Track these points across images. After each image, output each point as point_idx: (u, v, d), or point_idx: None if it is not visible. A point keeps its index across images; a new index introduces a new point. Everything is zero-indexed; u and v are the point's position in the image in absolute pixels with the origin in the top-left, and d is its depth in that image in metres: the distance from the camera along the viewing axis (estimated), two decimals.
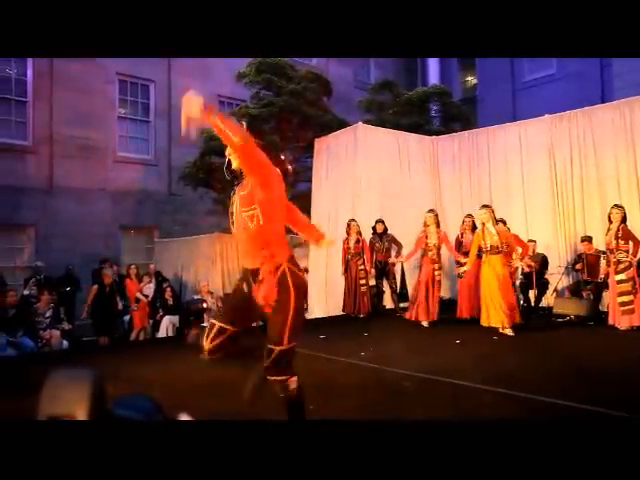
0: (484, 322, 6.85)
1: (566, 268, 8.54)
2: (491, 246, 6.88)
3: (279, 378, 2.74)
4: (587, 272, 7.92)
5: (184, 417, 2.42)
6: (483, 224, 7.03)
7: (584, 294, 7.93)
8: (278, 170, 2.81)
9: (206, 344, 2.76)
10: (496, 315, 6.68)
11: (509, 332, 6.55)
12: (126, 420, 1.26)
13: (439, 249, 7.71)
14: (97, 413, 1.13)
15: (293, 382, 2.78)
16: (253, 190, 2.66)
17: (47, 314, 8.06)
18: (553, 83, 15.12)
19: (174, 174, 12.90)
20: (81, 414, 1.10)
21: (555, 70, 15.41)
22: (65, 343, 8.08)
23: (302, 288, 2.75)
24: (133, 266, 10.07)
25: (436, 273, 7.62)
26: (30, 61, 12.35)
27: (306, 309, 9.99)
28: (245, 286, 2.77)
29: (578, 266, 8.16)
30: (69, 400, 1.13)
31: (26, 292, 8.82)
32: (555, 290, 8.46)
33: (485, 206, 7.17)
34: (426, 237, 7.60)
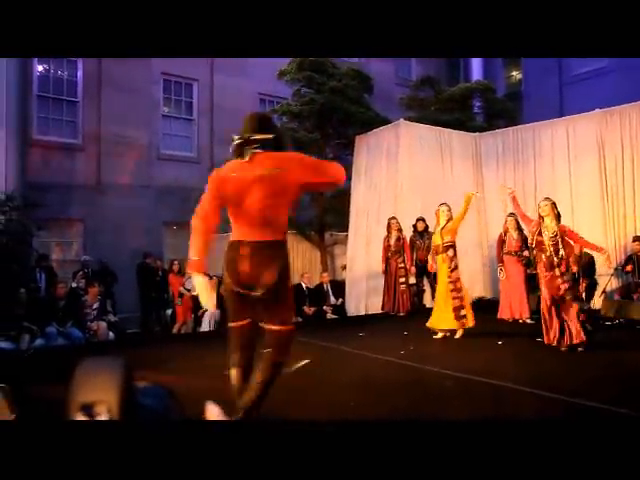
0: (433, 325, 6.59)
1: (615, 269, 8.30)
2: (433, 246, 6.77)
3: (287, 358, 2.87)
4: (638, 274, 7.69)
5: (210, 406, 2.42)
6: (438, 222, 6.85)
7: (634, 297, 7.70)
8: None
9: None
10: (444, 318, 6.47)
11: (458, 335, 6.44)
12: (147, 408, 1.29)
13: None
14: (127, 400, 1.14)
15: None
16: (288, 182, 2.70)
17: (94, 306, 8.34)
18: (604, 76, 14.55)
19: None
20: (113, 401, 1.11)
21: (606, 63, 14.82)
22: (111, 334, 8.34)
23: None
24: (176, 261, 10.31)
25: (559, 282, 5.60)
26: (80, 63, 12.77)
27: (338, 305, 10.05)
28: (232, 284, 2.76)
29: (628, 267, 7.92)
30: (101, 388, 1.13)
31: (74, 285, 9.14)
32: (603, 292, 8.23)
33: (443, 204, 6.97)
34: (540, 234, 5.76)
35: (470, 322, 6.45)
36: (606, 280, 8.26)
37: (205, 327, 9.38)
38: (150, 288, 10.02)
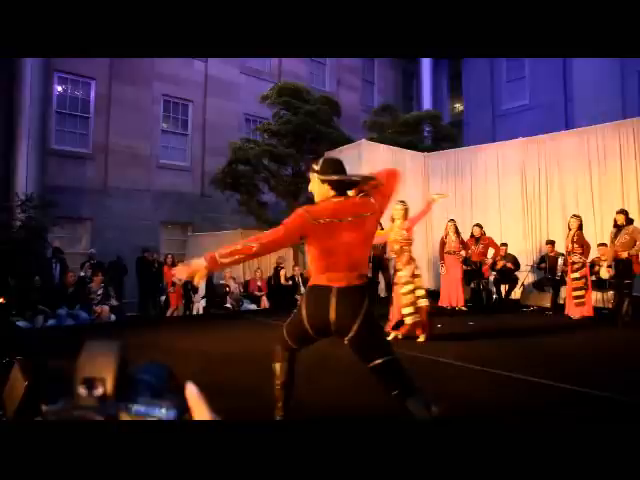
0: None
1: (532, 267, 8.62)
2: None
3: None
4: (549, 271, 8.00)
5: (190, 386, 2.36)
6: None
7: (546, 289, 8.02)
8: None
9: None
10: None
11: None
12: (144, 382, 1.40)
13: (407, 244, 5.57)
14: (121, 377, 1.23)
15: None
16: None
17: (99, 292, 8.31)
18: (527, 112, 15.09)
19: (206, 179, 13.11)
20: (109, 377, 1.19)
21: (528, 101, 15.41)
22: (113, 317, 8.31)
23: None
24: (170, 255, 10.29)
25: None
26: (93, 84, 12.67)
27: None
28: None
29: (542, 265, 8.25)
30: (101, 365, 1.22)
31: (82, 274, 9.07)
32: (522, 285, 8.55)
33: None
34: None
35: None
36: (524, 275, 8.58)
37: (195, 311, 9.44)
38: (147, 278, 9.98)
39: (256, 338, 5.88)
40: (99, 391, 1.18)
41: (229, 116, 14.59)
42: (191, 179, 14.15)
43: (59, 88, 12.41)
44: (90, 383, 1.16)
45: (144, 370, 1.43)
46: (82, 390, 1.18)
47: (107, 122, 12.69)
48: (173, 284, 9.72)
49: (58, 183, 11.43)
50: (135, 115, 12.90)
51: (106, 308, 8.24)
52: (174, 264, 10.07)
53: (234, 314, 8.94)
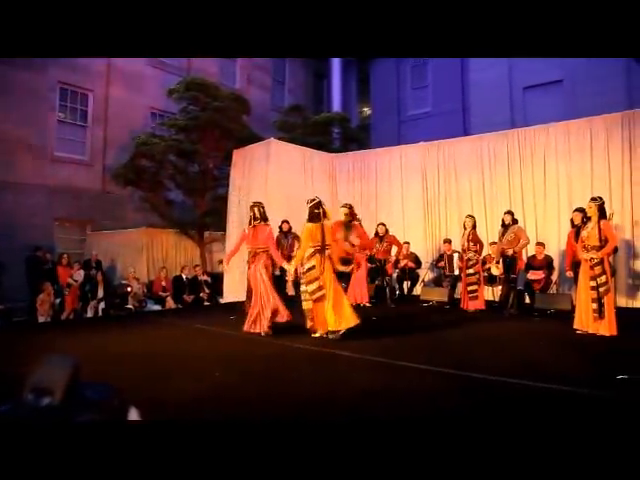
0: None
1: (431, 264, 9.06)
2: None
3: None
4: (447, 267, 8.44)
5: (133, 413, 2.15)
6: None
7: (444, 284, 8.45)
8: None
9: None
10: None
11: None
12: (87, 399, 1.38)
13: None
14: (68, 391, 1.29)
15: None
16: None
17: None
18: (429, 118, 15.95)
19: (107, 174, 12.24)
20: (57, 391, 1.26)
21: (431, 108, 16.31)
22: None
23: None
24: (65, 255, 9.49)
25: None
26: None
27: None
28: None
29: (440, 263, 8.67)
30: (52, 378, 1.29)
31: None
32: (422, 281, 8.95)
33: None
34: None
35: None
36: (425, 272, 9.00)
37: (92, 314, 8.77)
38: (39, 279, 9.11)
39: (160, 338, 5.59)
40: (46, 401, 1.23)
41: (133, 109, 13.76)
42: (91, 174, 13.14)
43: None
44: (38, 392, 1.24)
45: (88, 388, 1.45)
46: (30, 397, 1.24)
47: None
48: (68, 285, 8.98)
49: None
50: (26, 102, 11.66)
51: None
52: (70, 264, 9.32)
53: (137, 315, 8.43)
